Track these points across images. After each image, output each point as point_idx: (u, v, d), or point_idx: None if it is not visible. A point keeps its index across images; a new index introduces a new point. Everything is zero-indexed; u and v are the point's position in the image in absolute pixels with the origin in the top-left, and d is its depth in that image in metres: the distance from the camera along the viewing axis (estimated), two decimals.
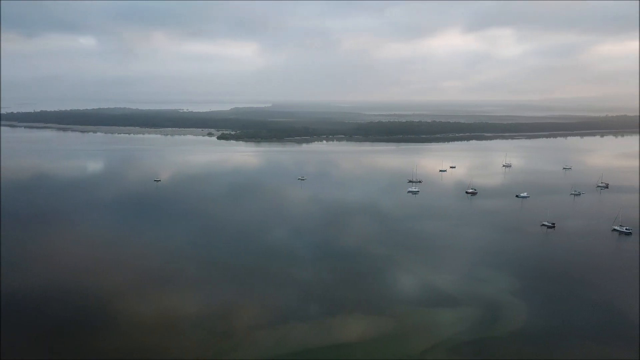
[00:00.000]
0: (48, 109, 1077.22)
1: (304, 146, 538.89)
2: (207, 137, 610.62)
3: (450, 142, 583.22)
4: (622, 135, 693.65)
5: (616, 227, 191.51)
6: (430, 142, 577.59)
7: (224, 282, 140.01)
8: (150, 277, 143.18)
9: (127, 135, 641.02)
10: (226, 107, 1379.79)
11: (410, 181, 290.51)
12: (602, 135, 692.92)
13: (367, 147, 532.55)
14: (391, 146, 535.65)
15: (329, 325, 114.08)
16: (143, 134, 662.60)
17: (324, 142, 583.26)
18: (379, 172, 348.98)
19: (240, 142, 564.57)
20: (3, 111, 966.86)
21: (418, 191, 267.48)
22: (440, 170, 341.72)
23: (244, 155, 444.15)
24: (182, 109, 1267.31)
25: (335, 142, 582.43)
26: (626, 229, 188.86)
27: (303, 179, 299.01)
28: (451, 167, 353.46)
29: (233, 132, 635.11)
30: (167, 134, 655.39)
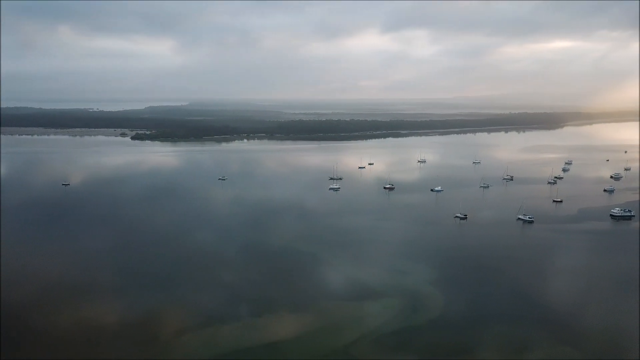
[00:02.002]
0: None
1: (224, 145, 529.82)
2: (120, 138, 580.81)
3: (369, 140, 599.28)
4: (524, 131, 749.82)
5: (520, 216, 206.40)
6: (350, 140, 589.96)
7: (145, 288, 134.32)
8: (63, 286, 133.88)
9: (29, 136, 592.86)
10: (140, 106, 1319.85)
11: (331, 178, 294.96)
12: (506, 132, 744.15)
13: (288, 145, 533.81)
14: (312, 144, 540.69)
15: (257, 325, 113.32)
16: (48, 134, 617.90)
17: (245, 141, 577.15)
18: (301, 170, 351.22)
19: (156, 142, 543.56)
20: None
21: (339, 188, 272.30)
22: (360, 167, 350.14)
23: (160, 156, 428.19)
24: (92, 108, 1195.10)
25: (256, 140, 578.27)
26: (529, 217, 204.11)
27: (224, 179, 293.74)
28: (370, 164, 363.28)
29: (148, 132, 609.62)
30: (75, 135, 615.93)
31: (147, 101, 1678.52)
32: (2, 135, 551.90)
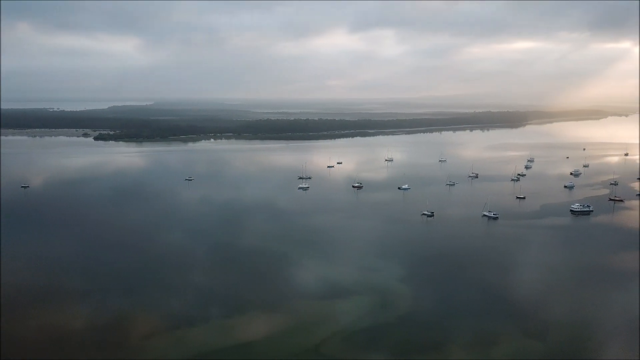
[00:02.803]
0: None
1: (191, 145, 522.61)
2: (82, 138, 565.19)
3: (337, 139, 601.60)
4: (488, 130, 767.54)
5: (485, 213, 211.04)
6: (318, 139, 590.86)
7: (112, 291, 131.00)
8: (25, 292, 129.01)
9: None
10: (103, 106, 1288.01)
11: (300, 178, 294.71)
12: (471, 130, 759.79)
13: (256, 145, 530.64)
14: (281, 144, 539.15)
15: (228, 326, 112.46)
16: (6, 135, 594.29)
17: (212, 140, 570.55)
18: (270, 169, 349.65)
19: (121, 142, 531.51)
20: None
21: (308, 187, 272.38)
22: (328, 166, 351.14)
23: (125, 157, 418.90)
24: (53, 108, 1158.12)
25: (223, 140, 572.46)
26: (494, 214, 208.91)
27: (191, 180, 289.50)
28: (338, 163, 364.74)
29: (112, 132, 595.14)
30: (35, 136, 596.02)
31: (110, 101, 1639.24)
32: None
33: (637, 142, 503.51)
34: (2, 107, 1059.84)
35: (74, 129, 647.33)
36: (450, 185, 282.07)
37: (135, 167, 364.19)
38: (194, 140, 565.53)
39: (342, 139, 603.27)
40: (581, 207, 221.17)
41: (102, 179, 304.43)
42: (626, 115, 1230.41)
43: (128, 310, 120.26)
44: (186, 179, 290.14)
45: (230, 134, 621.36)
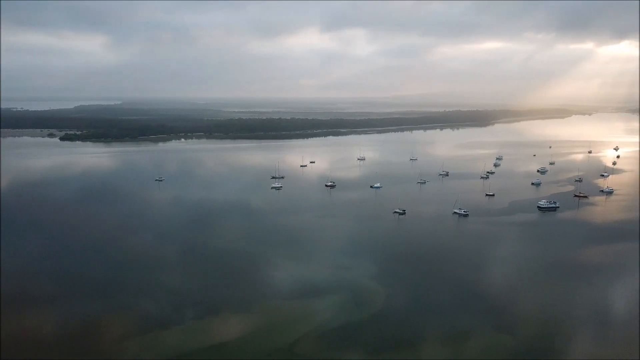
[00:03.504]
0: None
1: (161, 145, 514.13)
2: (47, 139, 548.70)
3: (309, 138, 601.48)
4: (458, 128, 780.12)
5: (456, 210, 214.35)
6: (291, 139, 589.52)
7: (83, 296, 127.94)
8: None
9: None
10: (69, 105, 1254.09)
11: (273, 177, 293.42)
12: (441, 129, 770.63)
13: (228, 144, 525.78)
14: (253, 143, 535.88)
15: (200, 328, 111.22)
16: None
17: (182, 140, 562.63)
18: (242, 169, 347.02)
19: (88, 142, 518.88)
20: None
21: (281, 187, 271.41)
22: (301, 166, 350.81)
23: (93, 157, 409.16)
24: (16, 108, 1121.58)
25: (194, 140, 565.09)
26: (464, 211, 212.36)
27: (161, 180, 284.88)
28: (311, 162, 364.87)
29: (79, 133, 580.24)
30: None
31: (76, 100, 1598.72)
32: None
33: (599, 140, 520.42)
34: None
35: (39, 129, 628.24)
36: (421, 183, 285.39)
37: (103, 168, 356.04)
38: (164, 140, 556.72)
39: (314, 138, 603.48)
40: (548, 203, 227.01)
41: (70, 180, 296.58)
42: (589, 114, 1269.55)
43: (99, 314, 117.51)
44: (156, 180, 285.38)
45: (201, 133, 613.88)
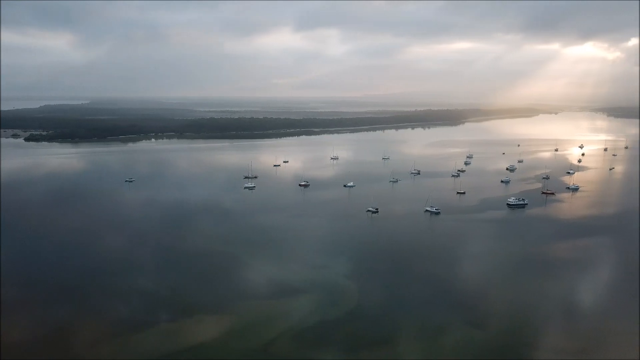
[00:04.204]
0: None
1: (131, 146, 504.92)
2: (11, 140, 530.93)
3: (283, 138, 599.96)
4: (429, 127, 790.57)
5: (428, 208, 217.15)
6: (264, 138, 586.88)
7: (52, 301, 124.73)
8: None
9: None
10: (34, 105, 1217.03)
11: (246, 177, 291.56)
12: (413, 128, 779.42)
13: (200, 144, 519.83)
14: (225, 143, 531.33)
15: (174, 330, 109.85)
16: None
17: (153, 140, 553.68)
18: (214, 169, 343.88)
19: (54, 143, 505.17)
20: None
21: (254, 187, 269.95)
22: (275, 165, 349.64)
23: (60, 158, 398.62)
24: None
25: (165, 140, 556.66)
26: (435, 209, 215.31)
27: (131, 181, 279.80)
28: (284, 162, 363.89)
29: (45, 133, 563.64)
30: None
31: (42, 99, 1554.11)
32: None
33: (565, 138, 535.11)
34: None
35: (2, 130, 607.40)
36: (393, 182, 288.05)
37: (71, 169, 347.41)
38: (134, 140, 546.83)
39: (288, 138, 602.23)
40: (517, 200, 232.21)
41: (36, 182, 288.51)
42: (556, 113, 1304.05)
43: (70, 319, 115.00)
44: (126, 181, 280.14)
45: (172, 133, 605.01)
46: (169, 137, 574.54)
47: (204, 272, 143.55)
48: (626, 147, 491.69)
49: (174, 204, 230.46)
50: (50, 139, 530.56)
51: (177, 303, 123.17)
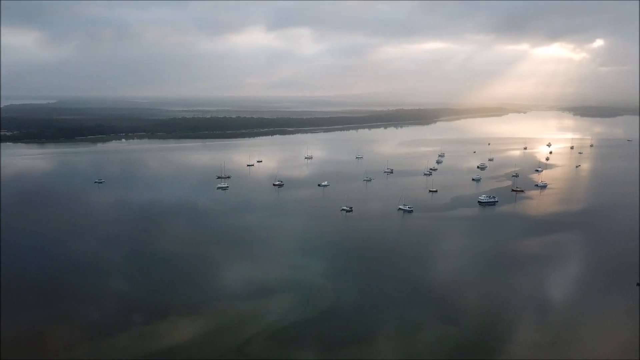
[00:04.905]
0: None
1: (100, 146, 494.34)
2: None
3: (256, 137, 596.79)
4: (401, 127, 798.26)
5: (401, 207, 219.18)
6: (237, 138, 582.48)
7: (22, 305, 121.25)
8: None
9: None
10: None
11: (219, 177, 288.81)
12: (385, 127, 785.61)
13: (171, 144, 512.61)
14: (197, 142, 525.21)
15: (148, 332, 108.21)
16: None
17: (123, 140, 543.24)
18: (186, 169, 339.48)
19: (20, 144, 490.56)
20: None
21: (228, 187, 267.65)
22: (248, 165, 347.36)
23: (26, 160, 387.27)
24: None
25: (135, 140, 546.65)
26: (408, 207, 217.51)
27: (101, 182, 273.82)
28: (258, 161, 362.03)
29: (9, 134, 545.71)
30: None
31: (6, 99, 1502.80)
32: None
33: (534, 137, 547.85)
34: None
35: None
36: (367, 181, 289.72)
37: (38, 171, 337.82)
38: (104, 140, 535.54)
39: (261, 137, 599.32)
40: (487, 198, 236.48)
41: (1, 184, 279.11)
42: (525, 112, 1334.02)
43: (41, 324, 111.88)
44: (96, 182, 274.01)
45: (143, 133, 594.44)
46: (140, 137, 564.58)
47: (177, 274, 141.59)
48: (591, 146, 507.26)
49: (146, 205, 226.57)
50: (15, 139, 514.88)
51: (150, 305, 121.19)
